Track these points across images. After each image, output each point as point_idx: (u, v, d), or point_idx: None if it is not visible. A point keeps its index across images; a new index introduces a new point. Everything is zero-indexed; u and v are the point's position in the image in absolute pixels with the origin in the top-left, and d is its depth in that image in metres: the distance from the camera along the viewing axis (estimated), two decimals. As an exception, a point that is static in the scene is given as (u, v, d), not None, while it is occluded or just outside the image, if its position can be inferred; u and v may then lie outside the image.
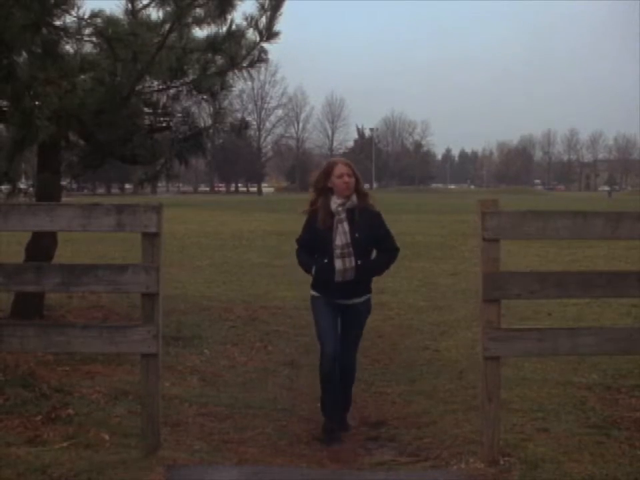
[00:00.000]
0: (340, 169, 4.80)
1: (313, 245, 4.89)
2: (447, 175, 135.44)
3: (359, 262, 4.72)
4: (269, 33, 7.10)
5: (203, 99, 7.59)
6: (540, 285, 4.04)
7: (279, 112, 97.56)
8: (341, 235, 4.71)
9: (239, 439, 4.67)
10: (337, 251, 4.70)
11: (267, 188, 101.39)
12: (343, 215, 4.75)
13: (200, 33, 7.20)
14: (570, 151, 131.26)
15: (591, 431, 4.48)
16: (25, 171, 8.01)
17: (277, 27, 7.11)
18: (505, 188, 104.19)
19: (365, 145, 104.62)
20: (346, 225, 4.73)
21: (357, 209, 4.79)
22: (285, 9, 7.06)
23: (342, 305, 4.84)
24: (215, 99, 7.54)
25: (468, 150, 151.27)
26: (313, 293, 4.94)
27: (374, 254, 4.96)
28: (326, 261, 4.74)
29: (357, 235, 4.72)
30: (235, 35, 7.16)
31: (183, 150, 7.60)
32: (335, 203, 4.79)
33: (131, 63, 6.26)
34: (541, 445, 4.21)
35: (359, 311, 4.91)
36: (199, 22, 6.98)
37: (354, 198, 4.79)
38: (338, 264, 4.71)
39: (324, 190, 4.84)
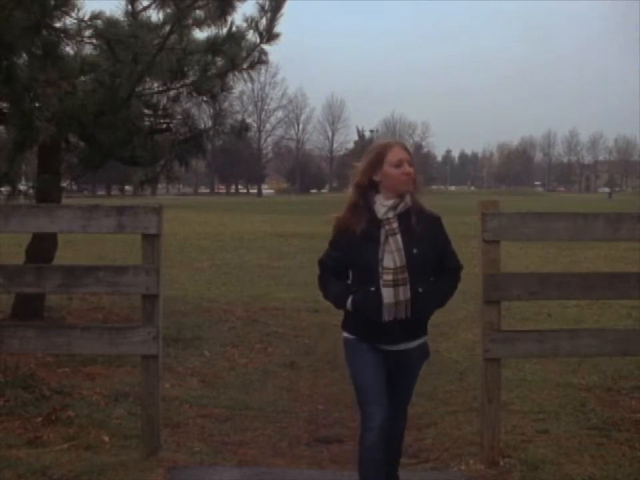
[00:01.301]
0: (397, 152, 3.30)
1: (345, 267, 3.39)
2: (447, 176, 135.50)
3: (420, 290, 3.24)
4: (269, 35, 7.10)
5: (203, 100, 7.59)
6: (540, 286, 4.04)
7: (279, 113, 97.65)
8: (394, 253, 3.23)
9: (239, 440, 4.67)
10: (387, 277, 3.21)
11: (267, 189, 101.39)
12: (395, 224, 3.25)
13: (200, 34, 7.21)
14: (570, 153, 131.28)
15: (591, 432, 4.48)
16: (25, 173, 8.00)
17: (277, 28, 7.12)
18: (505, 189, 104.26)
19: (365, 146, 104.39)
20: (399, 238, 3.23)
21: (412, 214, 3.29)
22: (285, 10, 7.07)
23: (389, 351, 3.33)
24: (215, 100, 7.54)
25: (468, 151, 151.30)
26: (348, 335, 3.45)
27: None
28: (372, 289, 3.22)
29: (414, 252, 3.23)
30: (235, 37, 7.16)
31: (183, 151, 7.60)
32: (383, 205, 3.27)
33: (131, 65, 6.27)
34: (541, 446, 4.21)
35: (412, 360, 3.44)
36: (199, 23, 6.98)
37: (408, 198, 3.30)
38: (388, 295, 3.20)
39: (366, 188, 3.35)
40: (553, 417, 4.82)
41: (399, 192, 3.27)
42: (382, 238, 3.25)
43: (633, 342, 4.09)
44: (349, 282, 3.39)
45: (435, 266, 3.35)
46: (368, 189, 3.33)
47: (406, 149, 3.36)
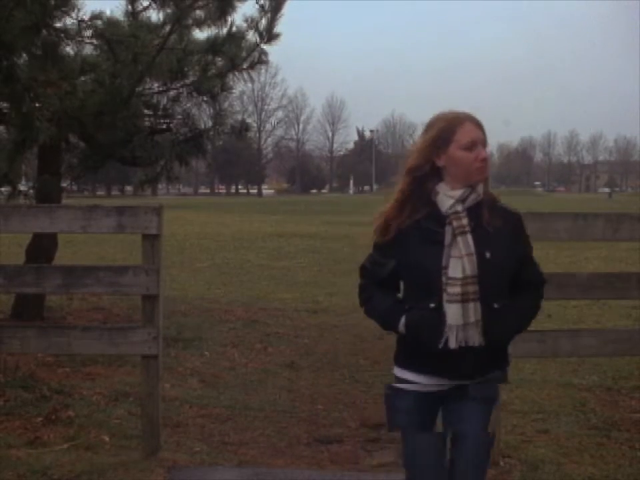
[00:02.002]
0: (469, 131, 2.50)
1: (395, 277, 2.63)
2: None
3: (496, 306, 2.48)
4: (269, 35, 7.10)
5: (203, 100, 7.59)
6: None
7: (279, 114, 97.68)
8: (463, 258, 2.45)
9: (239, 440, 4.67)
10: (453, 289, 2.44)
11: (267, 190, 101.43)
12: (466, 220, 2.49)
13: (200, 34, 7.21)
14: (570, 153, 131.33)
15: (591, 432, 4.49)
16: (25, 173, 8.01)
17: (277, 28, 7.12)
18: (505, 189, 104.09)
19: (365, 146, 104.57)
20: (470, 239, 2.47)
21: (485, 208, 2.52)
22: (285, 10, 7.07)
23: (453, 389, 2.55)
24: (215, 100, 7.54)
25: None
26: (402, 372, 2.61)
27: None
28: (433, 306, 2.47)
29: (487, 256, 2.47)
30: (235, 37, 7.17)
31: (183, 151, 7.60)
32: (448, 196, 2.51)
33: (131, 65, 6.27)
34: (541, 446, 4.21)
35: (485, 400, 2.58)
36: (199, 24, 6.99)
37: (480, 187, 2.52)
38: (454, 314, 2.45)
39: (425, 174, 2.55)
40: (553, 417, 4.82)
41: (470, 182, 2.49)
42: (447, 239, 2.47)
43: (633, 342, 4.09)
44: (400, 295, 2.65)
45: (510, 278, 2.54)
46: (426, 176, 2.53)
47: (480, 126, 2.53)
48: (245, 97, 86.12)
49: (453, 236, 2.47)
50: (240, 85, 7.79)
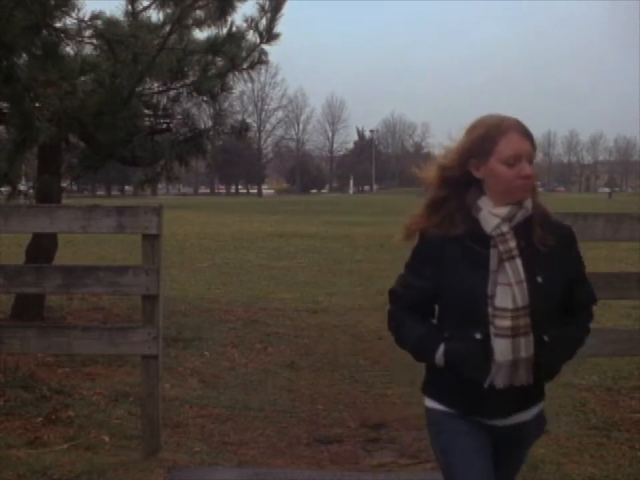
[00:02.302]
0: (514, 142, 2.15)
1: (430, 300, 2.29)
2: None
3: (546, 339, 2.19)
4: (269, 35, 7.11)
5: (203, 100, 7.59)
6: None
7: (279, 114, 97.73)
8: (513, 287, 2.13)
9: (239, 440, 4.67)
10: (503, 322, 2.12)
11: (267, 190, 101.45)
12: (514, 243, 2.16)
13: (200, 34, 7.22)
14: (570, 153, 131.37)
15: (591, 432, 4.49)
16: (25, 173, 8.01)
17: (277, 28, 7.13)
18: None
19: (365, 146, 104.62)
20: (519, 264, 2.15)
21: (536, 224, 2.21)
22: (285, 10, 7.08)
23: (495, 426, 2.26)
24: (215, 100, 7.55)
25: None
26: (433, 404, 2.31)
27: None
28: (479, 337, 2.15)
29: (539, 281, 2.16)
30: (235, 37, 7.17)
31: (183, 151, 7.60)
32: (492, 214, 2.18)
33: (131, 65, 6.27)
34: (541, 446, 4.21)
35: (525, 436, 2.36)
36: (199, 24, 6.99)
37: (528, 201, 2.21)
38: (503, 350, 2.13)
39: (460, 183, 2.23)
40: (552, 417, 4.81)
41: (509, 200, 2.16)
42: (492, 263, 2.15)
43: (633, 342, 4.09)
44: (434, 321, 2.32)
45: (561, 302, 2.25)
46: (464, 185, 2.22)
47: (527, 136, 2.17)
48: (245, 97, 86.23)
49: (500, 261, 2.14)
50: (240, 85, 7.80)
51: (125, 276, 3.98)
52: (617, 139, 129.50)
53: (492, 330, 2.14)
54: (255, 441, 4.70)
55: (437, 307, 2.29)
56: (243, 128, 8.22)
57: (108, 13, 6.45)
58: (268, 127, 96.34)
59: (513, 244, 2.15)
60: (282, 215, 33.51)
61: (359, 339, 7.72)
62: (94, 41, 6.47)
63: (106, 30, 6.23)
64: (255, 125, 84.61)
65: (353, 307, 9.61)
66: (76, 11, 6.09)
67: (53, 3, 5.79)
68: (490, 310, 2.14)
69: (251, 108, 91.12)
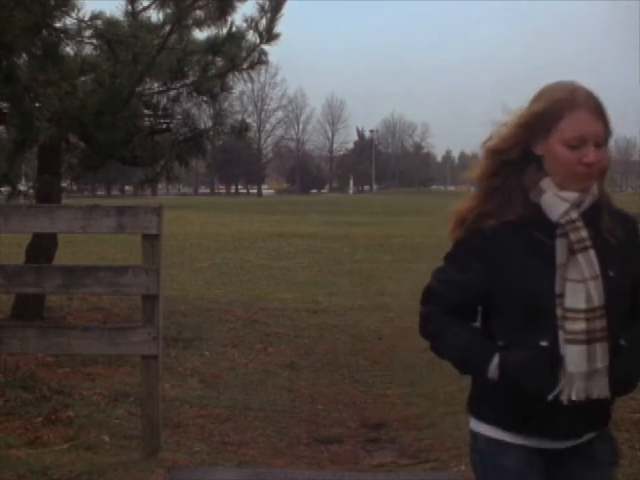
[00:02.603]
0: (580, 121, 1.82)
1: (476, 300, 1.95)
2: (447, 176, 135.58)
3: (622, 343, 1.87)
4: (269, 35, 7.11)
5: (203, 100, 7.60)
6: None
7: (279, 114, 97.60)
8: (587, 283, 1.81)
9: (239, 440, 4.67)
10: (575, 325, 1.80)
11: (266, 190, 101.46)
12: (585, 232, 1.84)
13: (200, 34, 7.22)
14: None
15: (591, 432, 4.48)
16: (25, 173, 8.01)
17: (277, 28, 7.13)
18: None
19: (365, 146, 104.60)
20: (593, 256, 1.83)
21: (604, 211, 1.92)
22: (285, 10, 7.08)
23: (558, 449, 1.91)
24: (215, 100, 7.55)
25: (468, 152, 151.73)
26: (482, 427, 1.95)
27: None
28: (544, 344, 1.81)
29: (612, 275, 1.85)
30: (235, 37, 7.17)
31: (183, 151, 7.61)
32: (560, 199, 1.84)
33: (131, 65, 6.27)
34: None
35: (600, 459, 1.96)
36: (199, 24, 6.99)
37: (594, 187, 1.89)
38: (576, 359, 1.80)
39: (516, 161, 1.89)
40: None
41: (567, 187, 1.84)
42: (560, 256, 1.82)
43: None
44: (477, 324, 1.97)
45: (629, 302, 1.92)
46: (521, 162, 1.88)
47: (599, 114, 1.83)
48: (245, 97, 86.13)
49: (570, 252, 1.81)
50: (240, 85, 7.81)
51: (124, 276, 3.98)
52: (617, 139, 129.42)
53: (561, 335, 1.80)
54: (254, 441, 4.70)
55: (480, 309, 1.96)
56: (243, 128, 8.22)
57: (108, 13, 6.46)
58: (268, 127, 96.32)
59: (584, 233, 1.82)
60: (282, 214, 33.52)
61: (359, 339, 7.73)
62: (94, 41, 6.48)
63: (106, 30, 6.23)
64: (254, 125, 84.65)
65: (353, 307, 9.62)
66: (76, 11, 6.10)
67: (52, 2, 5.79)
68: (559, 311, 1.80)
69: (250, 108, 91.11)
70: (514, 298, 1.83)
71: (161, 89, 7.45)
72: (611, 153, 1.93)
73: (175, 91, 7.45)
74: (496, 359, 1.83)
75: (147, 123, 7.64)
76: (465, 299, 1.91)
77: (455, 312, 1.92)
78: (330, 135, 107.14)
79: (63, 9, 5.96)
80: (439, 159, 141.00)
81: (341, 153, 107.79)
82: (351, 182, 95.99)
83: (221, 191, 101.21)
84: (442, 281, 1.94)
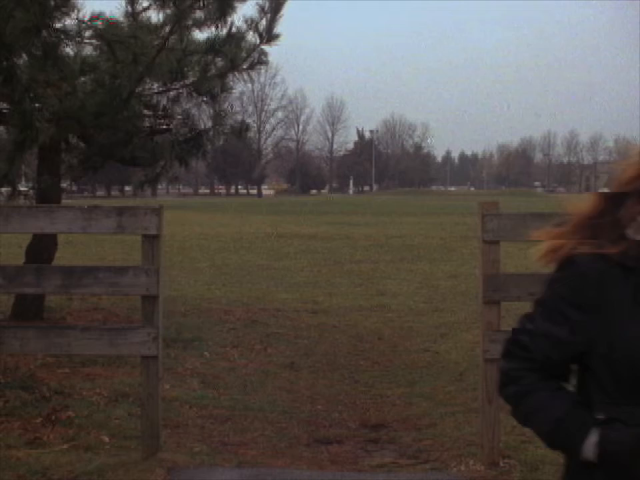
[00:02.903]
0: None
1: (570, 358, 1.60)
2: (447, 176, 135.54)
3: None
4: (269, 36, 7.11)
5: (203, 101, 7.60)
6: (540, 287, 4.04)
7: (279, 114, 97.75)
8: None
9: (239, 440, 4.67)
10: None
11: (266, 190, 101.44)
12: None
13: (200, 35, 7.23)
14: (570, 153, 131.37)
15: (591, 432, 4.48)
16: (25, 173, 8.02)
17: (277, 29, 7.14)
18: (505, 190, 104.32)
19: (364, 147, 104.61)
20: None
21: None
22: (285, 11, 7.08)
23: None
24: (215, 101, 7.55)
25: (468, 152, 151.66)
26: None
27: None
28: None
29: None
30: (235, 37, 7.18)
31: (183, 152, 7.61)
32: None
33: (131, 65, 6.27)
34: (541, 446, 4.19)
35: None
36: (199, 24, 6.99)
37: None
38: None
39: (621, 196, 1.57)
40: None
41: None
42: None
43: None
44: (566, 385, 1.63)
45: None
46: (620, 199, 1.57)
47: None
48: (245, 98, 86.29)
49: None
50: (240, 85, 7.82)
51: (124, 276, 3.98)
52: (617, 140, 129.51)
53: None
54: (254, 441, 4.70)
55: (576, 368, 1.62)
56: (243, 128, 8.22)
57: (108, 14, 6.45)
58: (268, 127, 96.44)
59: None
60: (282, 215, 33.51)
61: (359, 340, 7.72)
62: (94, 41, 6.47)
63: (106, 31, 6.22)
64: (254, 125, 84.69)
65: (353, 308, 9.61)
66: (76, 11, 6.10)
67: (52, 3, 5.78)
68: None
69: (250, 108, 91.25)
70: (623, 360, 1.50)
71: (160, 89, 7.45)
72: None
73: (174, 91, 7.45)
74: (594, 437, 1.50)
75: (146, 124, 7.64)
76: (559, 357, 1.58)
77: (545, 371, 1.59)
78: (330, 135, 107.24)
79: (63, 9, 5.96)
80: (439, 159, 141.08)
81: (341, 153, 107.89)
82: (351, 182, 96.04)
83: (220, 191, 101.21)
84: (531, 333, 1.61)
